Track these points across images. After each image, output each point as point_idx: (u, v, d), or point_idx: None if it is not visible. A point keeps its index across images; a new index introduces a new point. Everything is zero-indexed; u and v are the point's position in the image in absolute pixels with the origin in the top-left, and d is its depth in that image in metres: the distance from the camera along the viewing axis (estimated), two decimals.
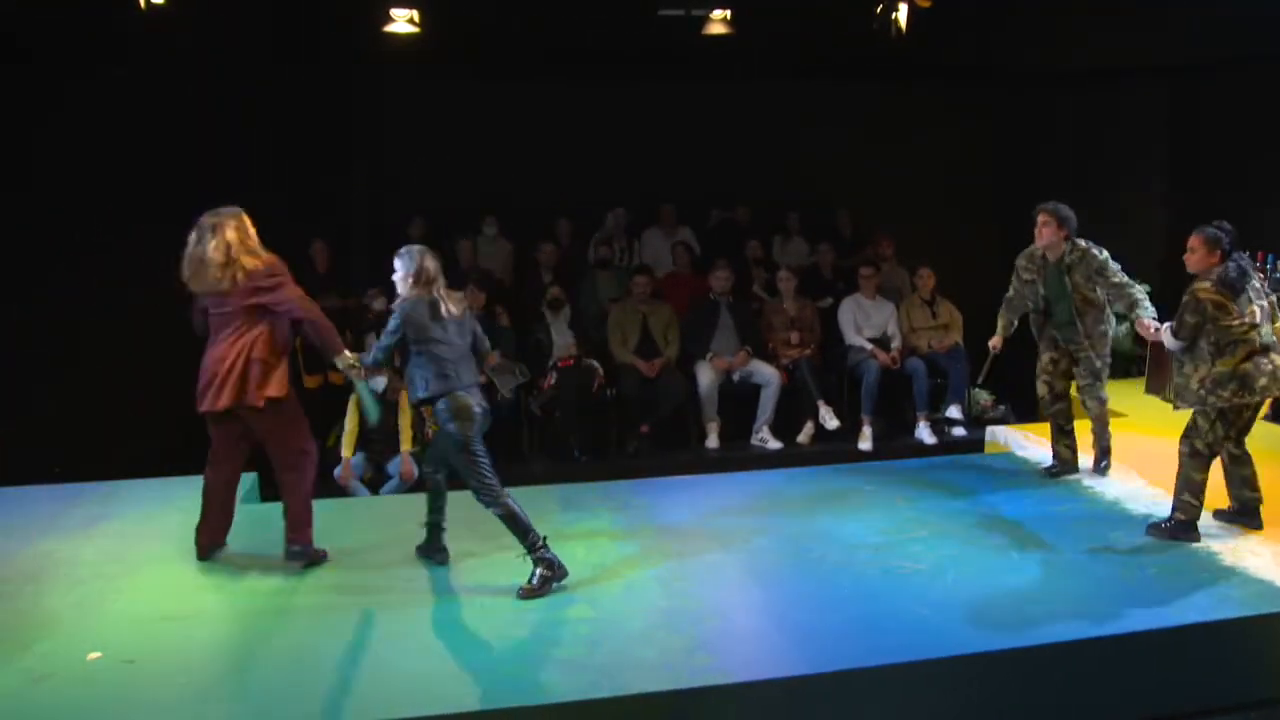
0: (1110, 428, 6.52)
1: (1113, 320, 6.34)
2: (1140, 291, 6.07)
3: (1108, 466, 6.50)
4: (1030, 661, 4.30)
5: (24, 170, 8.60)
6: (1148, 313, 5.89)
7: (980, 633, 4.41)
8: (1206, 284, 5.15)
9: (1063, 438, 6.57)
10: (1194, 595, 4.72)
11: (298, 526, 5.20)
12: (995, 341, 6.70)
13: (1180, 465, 5.39)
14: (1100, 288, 6.13)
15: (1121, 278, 6.07)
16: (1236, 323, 5.13)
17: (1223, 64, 8.97)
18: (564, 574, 4.89)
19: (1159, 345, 8.21)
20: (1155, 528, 5.45)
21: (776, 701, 4.10)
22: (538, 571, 4.84)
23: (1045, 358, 6.47)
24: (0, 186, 8.61)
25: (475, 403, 4.90)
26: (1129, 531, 5.53)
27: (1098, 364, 6.27)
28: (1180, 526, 5.37)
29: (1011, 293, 6.57)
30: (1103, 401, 6.36)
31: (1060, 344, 6.37)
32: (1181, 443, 5.39)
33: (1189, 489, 5.36)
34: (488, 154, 9.55)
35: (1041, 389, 6.48)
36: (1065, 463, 6.58)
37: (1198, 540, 5.31)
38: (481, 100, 9.67)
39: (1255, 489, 5.46)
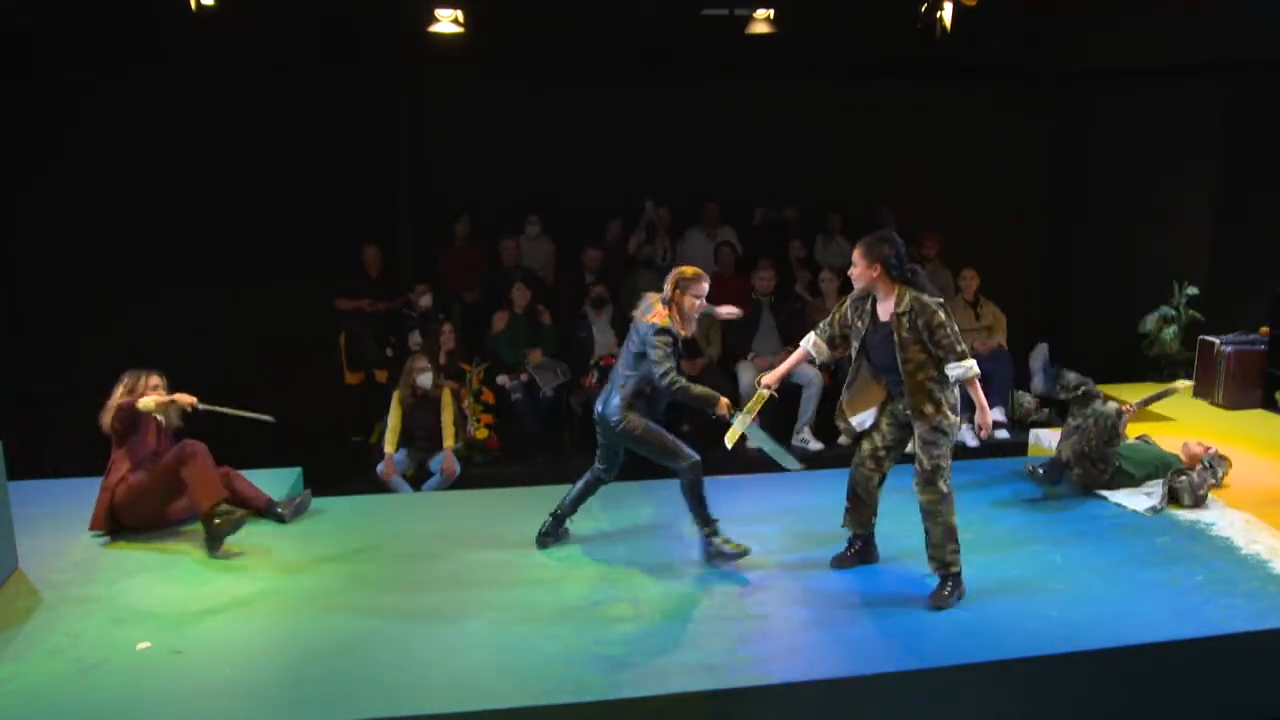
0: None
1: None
2: None
3: None
4: (1075, 668, 4.27)
5: (61, 169, 8.76)
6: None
7: (1022, 638, 4.37)
8: (930, 298, 4.75)
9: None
10: (1244, 603, 4.65)
11: None
12: None
13: (934, 515, 4.70)
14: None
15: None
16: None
17: (1276, 64, 8.81)
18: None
19: (1207, 349, 8.10)
20: (938, 596, 4.68)
21: (816, 703, 4.10)
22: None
23: None
24: (35, 185, 8.79)
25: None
26: (1175, 538, 5.47)
27: None
28: (957, 582, 4.71)
29: None
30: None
31: None
32: (925, 490, 4.69)
33: (953, 537, 4.70)
34: (531, 153, 9.59)
35: None
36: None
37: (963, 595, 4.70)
38: (526, 100, 9.70)
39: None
